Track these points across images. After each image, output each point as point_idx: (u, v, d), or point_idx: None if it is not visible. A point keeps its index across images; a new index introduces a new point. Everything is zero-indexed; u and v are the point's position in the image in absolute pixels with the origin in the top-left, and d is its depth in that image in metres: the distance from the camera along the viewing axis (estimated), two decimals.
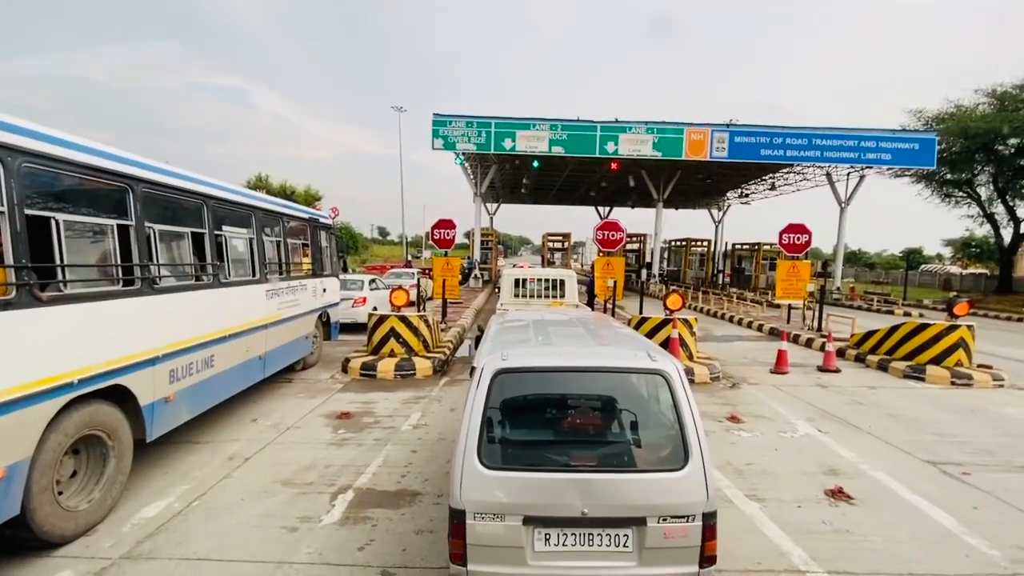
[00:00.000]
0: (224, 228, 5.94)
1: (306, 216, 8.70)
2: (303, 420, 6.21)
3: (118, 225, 4.17)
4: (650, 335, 9.03)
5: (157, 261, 4.64)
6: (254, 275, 6.60)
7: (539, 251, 43.76)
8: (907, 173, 26.22)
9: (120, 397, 4.07)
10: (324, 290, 9.14)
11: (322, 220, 9.43)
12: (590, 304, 13.73)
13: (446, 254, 12.99)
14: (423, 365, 8.54)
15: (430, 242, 16.00)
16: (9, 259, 3.17)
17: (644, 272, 28.69)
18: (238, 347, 5.97)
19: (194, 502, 4.13)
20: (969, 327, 9.10)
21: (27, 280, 3.26)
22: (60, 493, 3.54)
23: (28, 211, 3.31)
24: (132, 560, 3.35)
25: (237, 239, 6.32)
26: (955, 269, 45.30)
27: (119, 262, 4.16)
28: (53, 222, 3.53)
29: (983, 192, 26.90)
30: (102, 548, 3.48)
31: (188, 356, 4.94)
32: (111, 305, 4.01)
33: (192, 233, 5.31)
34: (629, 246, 34.69)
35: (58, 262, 3.56)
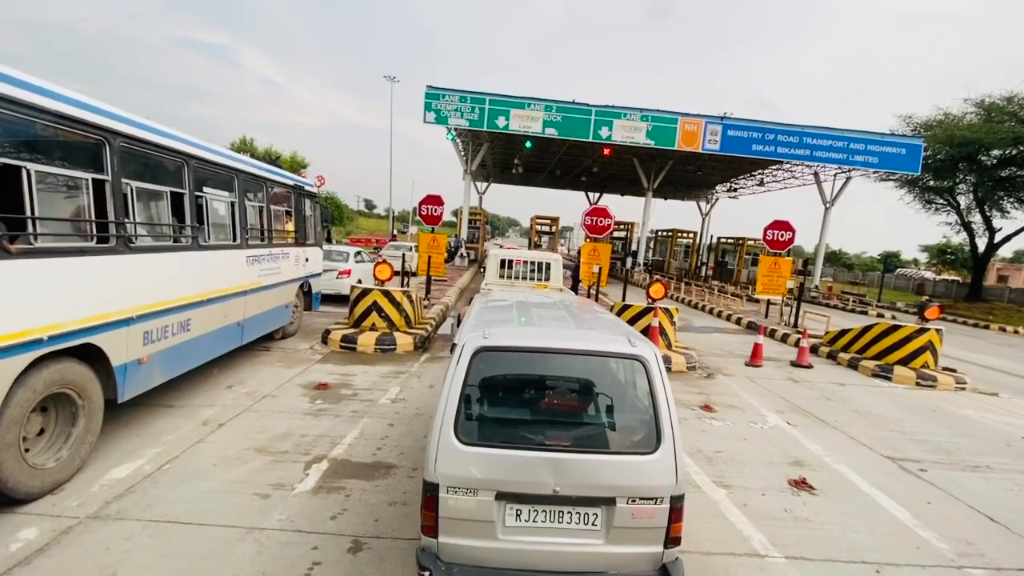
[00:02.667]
0: (205, 190, 5.80)
1: (291, 183, 8.53)
2: (280, 389, 6.17)
3: (93, 180, 4.02)
4: (631, 322, 9.13)
5: (134, 219, 4.51)
6: (235, 240, 6.47)
7: (527, 233, 43.64)
8: (892, 177, 26.63)
9: (92, 356, 4.00)
10: (307, 260, 9.05)
11: (307, 188, 9.25)
12: (574, 289, 13.80)
13: (433, 231, 12.86)
14: (404, 340, 8.53)
15: (417, 217, 15.87)
16: None
17: (629, 260, 28.88)
18: (216, 312, 5.89)
19: (165, 465, 4.10)
20: (938, 331, 9.40)
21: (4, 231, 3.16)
22: (27, 450, 3.50)
23: (3, 159, 3.20)
24: (100, 520, 3.33)
25: (218, 202, 6.18)
26: (929, 274, 46.53)
27: (94, 218, 4.03)
28: (24, 172, 3.40)
29: (963, 201, 27.49)
30: (69, 507, 3.45)
31: (163, 319, 4.86)
32: (84, 262, 3.92)
33: (171, 193, 5.15)
34: (616, 234, 34.84)
35: (29, 214, 3.43)
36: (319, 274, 9.93)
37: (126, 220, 4.36)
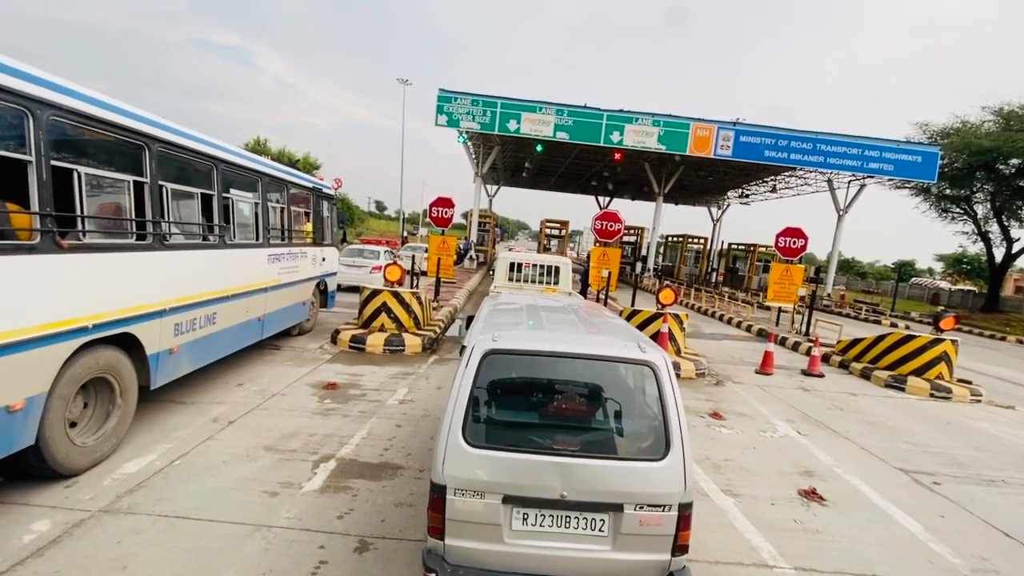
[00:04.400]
0: (232, 191, 6.11)
1: (310, 185, 8.81)
2: (289, 388, 6.22)
3: (134, 182, 4.36)
4: (641, 327, 9.09)
5: (168, 218, 4.81)
6: (257, 239, 6.77)
7: (536, 236, 43.64)
8: (907, 185, 26.32)
9: (129, 345, 4.31)
10: (323, 259, 9.29)
11: (325, 190, 9.53)
12: (583, 293, 13.76)
13: (443, 233, 12.91)
14: (413, 342, 8.55)
15: (427, 219, 16.03)
16: (35, 206, 3.33)
17: (639, 265, 28.76)
18: (239, 307, 6.17)
19: (176, 461, 4.15)
20: (953, 342, 9.25)
21: (50, 227, 3.44)
22: (72, 427, 3.79)
23: (53, 162, 3.46)
24: (111, 514, 3.37)
25: (243, 203, 6.53)
26: (945, 284, 45.80)
27: (133, 217, 4.37)
28: (75, 174, 3.71)
29: (980, 210, 27.09)
30: (81, 500, 3.49)
31: (192, 312, 5.16)
32: (125, 257, 4.26)
33: (201, 194, 5.48)
34: (626, 238, 34.72)
35: (78, 212, 3.73)
36: (335, 273, 10.18)
37: (162, 219, 4.67)
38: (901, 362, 9.36)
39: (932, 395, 8.65)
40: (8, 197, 3.33)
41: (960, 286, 42.98)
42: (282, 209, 7.65)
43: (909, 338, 9.45)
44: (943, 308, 30.08)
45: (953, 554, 3.80)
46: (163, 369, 4.78)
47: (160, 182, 4.64)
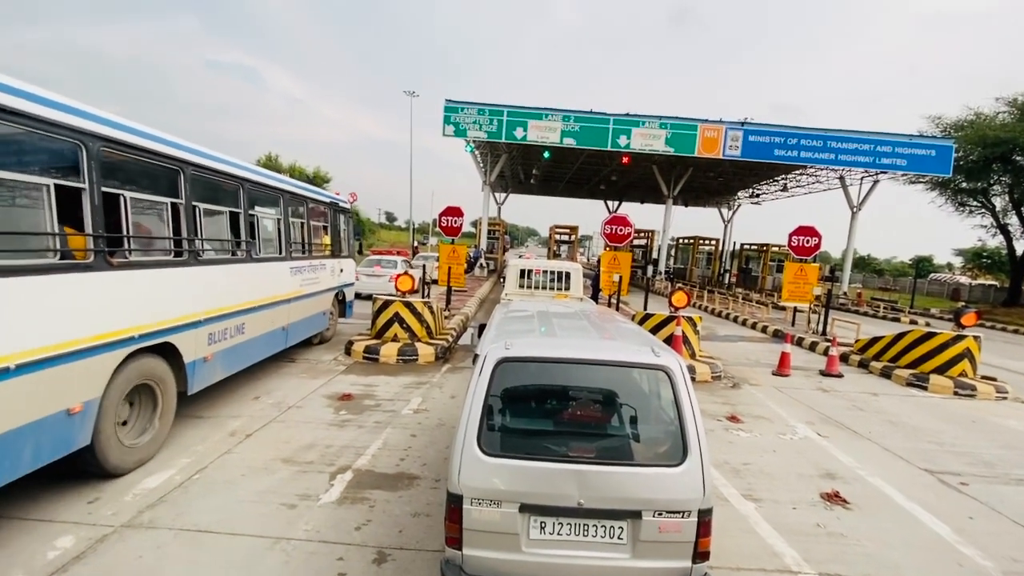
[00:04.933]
0: (256, 208, 6.52)
1: (327, 200, 9.20)
2: (305, 400, 6.26)
3: (171, 203, 4.78)
4: (654, 331, 9.02)
5: (201, 236, 5.18)
6: (280, 253, 7.18)
7: (545, 243, 43.64)
8: (922, 180, 25.89)
9: (168, 353, 4.65)
10: (341, 270, 9.67)
11: (341, 204, 9.93)
12: (595, 298, 13.72)
13: (453, 242, 12.97)
14: (426, 351, 8.58)
15: (437, 229, 16.23)
16: (89, 229, 3.69)
17: (650, 268, 28.60)
18: (265, 318, 6.53)
19: (195, 475, 4.19)
20: (976, 338, 9.04)
21: (102, 247, 3.81)
22: (120, 428, 4.14)
23: (104, 188, 3.82)
24: (133, 529, 3.41)
25: (267, 219, 6.93)
26: (964, 279, 44.87)
27: (171, 235, 4.77)
28: (122, 198, 4.10)
29: (998, 202, 26.53)
30: (104, 516, 3.54)
31: (224, 322, 5.52)
32: (165, 273, 4.65)
33: (229, 212, 5.87)
34: (636, 242, 34.55)
35: (125, 233, 4.14)
36: (352, 283, 10.54)
37: (196, 237, 5.06)
38: (922, 360, 9.17)
39: (956, 393, 8.45)
40: (65, 221, 3.59)
41: (980, 280, 42.08)
42: (302, 223, 8.03)
43: (930, 335, 9.26)
44: (964, 304, 29.46)
45: (983, 556, 3.69)
46: (199, 376, 5.11)
47: (194, 202, 5.04)
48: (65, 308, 3.50)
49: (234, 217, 5.96)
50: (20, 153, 3.37)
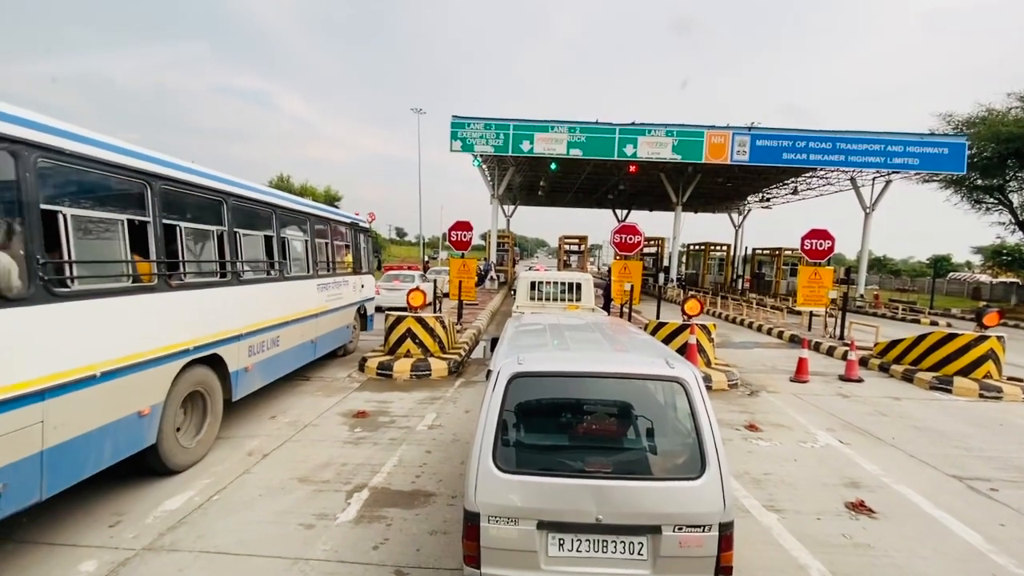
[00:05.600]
0: (287, 231, 7.10)
1: (348, 221, 9.87)
2: (320, 418, 6.30)
3: (217, 230, 5.41)
4: (667, 340, 8.95)
5: (242, 258, 5.79)
6: (308, 271, 7.75)
7: (555, 253, 43.63)
8: (935, 178, 25.53)
9: (216, 364, 5.17)
10: (362, 286, 10.29)
11: (361, 224, 10.60)
12: (606, 308, 13.65)
13: (463, 256, 13.04)
14: (439, 366, 8.59)
15: (447, 243, 16.44)
16: (153, 256, 4.31)
17: (662, 276, 28.45)
18: (296, 331, 7.09)
19: (214, 496, 4.22)
20: (999, 338, 8.83)
21: (163, 272, 4.43)
22: (177, 431, 4.63)
23: (164, 220, 4.44)
24: (154, 552, 3.44)
25: (296, 240, 7.51)
26: (985, 277, 43.94)
27: (218, 258, 5.44)
28: (177, 228, 4.69)
29: (1015, 199, 26.03)
30: (126, 539, 3.58)
31: (262, 336, 6.07)
32: (213, 292, 5.18)
33: (264, 236, 6.50)
34: (647, 250, 34.45)
35: (181, 258, 4.73)
36: (372, 298, 11.17)
37: (237, 259, 5.67)
38: (945, 362, 8.97)
39: (981, 395, 8.24)
40: (135, 249, 4.14)
41: (1002, 278, 41.15)
42: (326, 243, 8.65)
43: (952, 336, 9.06)
44: (985, 304, 28.82)
45: (1017, 565, 3.56)
46: (241, 384, 5.63)
47: (235, 228, 5.65)
48: (136, 325, 4.07)
49: (268, 240, 6.58)
50: (101, 194, 3.99)
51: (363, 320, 10.60)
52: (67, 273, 3.52)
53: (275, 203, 6.71)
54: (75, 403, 3.45)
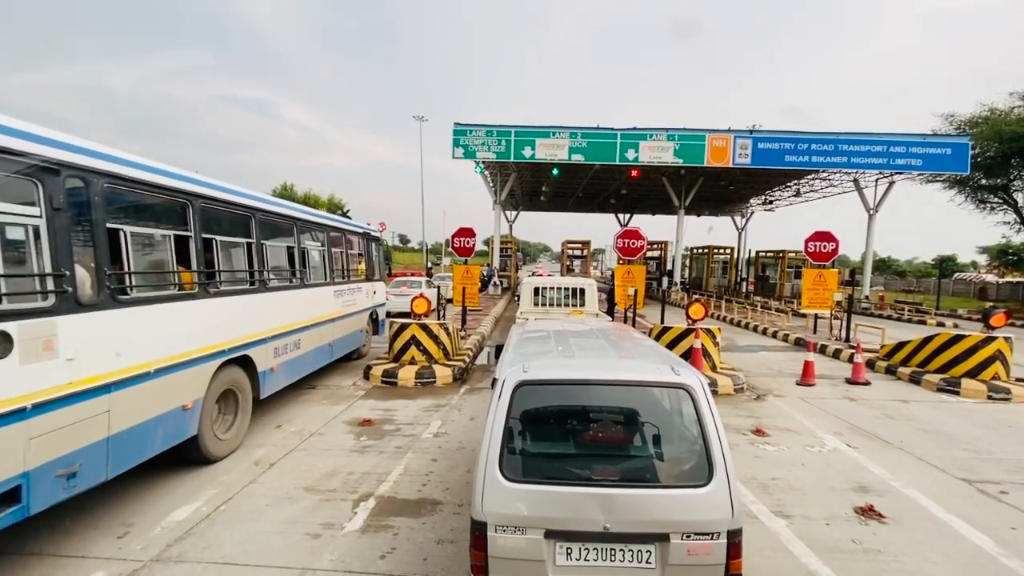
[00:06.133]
0: (306, 242, 7.58)
1: (361, 231, 10.39)
2: (326, 427, 6.30)
3: (246, 242, 5.91)
4: (672, 345, 8.93)
5: (267, 267, 6.32)
6: (325, 279, 8.23)
7: (558, 258, 43.66)
8: (939, 179, 25.46)
9: (246, 365, 5.62)
10: (374, 292, 10.82)
11: (373, 234, 11.14)
12: (610, 313, 13.64)
13: (466, 262, 13.06)
14: (443, 373, 8.59)
15: (450, 250, 16.49)
16: (195, 266, 4.81)
17: (665, 280, 28.39)
18: (315, 335, 7.56)
19: (221, 506, 4.23)
20: (1007, 339, 8.77)
21: (203, 280, 4.99)
22: (213, 424, 5.09)
23: (203, 234, 4.95)
24: (162, 563, 3.45)
25: (314, 250, 8.00)
26: (991, 277, 43.63)
27: (247, 268, 5.93)
28: (214, 241, 5.23)
29: (1020, 197, 25.94)
30: (133, 551, 3.59)
31: (285, 339, 6.54)
32: (243, 299, 5.67)
33: (286, 246, 7.02)
34: (650, 253, 34.40)
35: (217, 268, 5.29)
36: (384, 304, 11.66)
37: (264, 268, 6.17)
38: (952, 364, 8.91)
39: (990, 397, 8.18)
40: (179, 260, 4.68)
41: (1008, 278, 40.88)
42: (341, 252, 9.14)
43: (959, 338, 9.01)
44: (992, 303, 28.63)
45: None
46: (268, 383, 6.09)
47: (261, 239, 6.14)
48: (181, 328, 4.56)
49: (290, 250, 7.12)
50: (152, 212, 4.55)
51: (375, 325, 11.01)
52: (127, 283, 4.08)
53: (296, 216, 7.22)
54: (134, 396, 3.93)
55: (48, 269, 3.28)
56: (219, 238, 5.31)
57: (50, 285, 3.30)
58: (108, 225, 3.78)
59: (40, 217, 3.25)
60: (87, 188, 3.60)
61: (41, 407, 3.16)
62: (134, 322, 4.01)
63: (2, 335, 2.96)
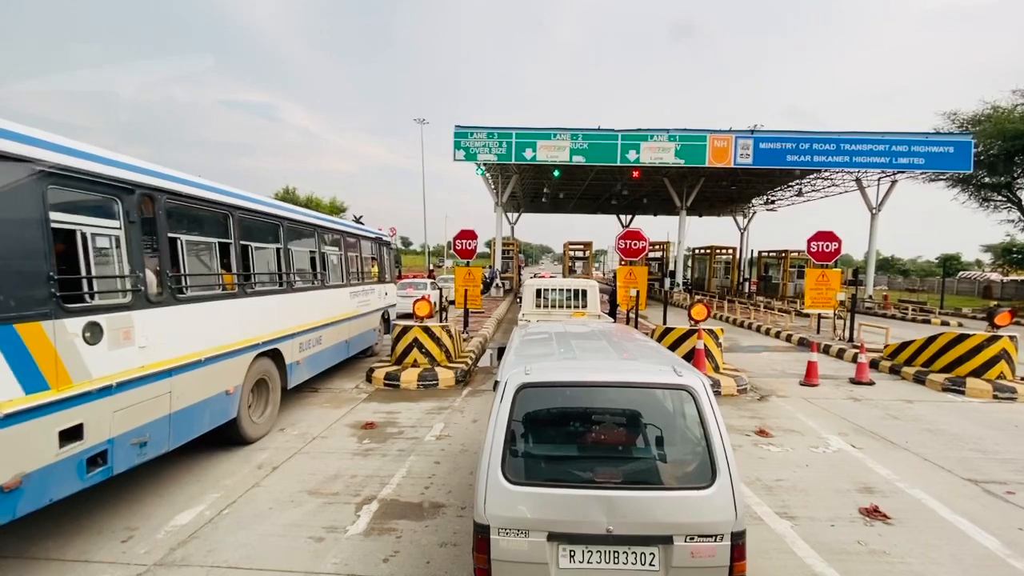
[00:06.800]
0: (325, 247, 8.22)
1: (373, 236, 11.08)
2: (329, 430, 6.31)
3: (276, 248, 6.58)
4: (674, 346, 8.91)
5: (294, 270, 6.98)
6: (342, 281, 8.88)
7: (560, 259, 43.64)
8: (942, 177, 25.38)
9: (276, 357, 6.24)
10: (386, 293, 11.49)
11: (384, 239, 11.82)
12: (612, 314, 13.61)
13: (468, 264, 13.06)
14: (445, 375, 8.59)
15: (452, 252, 16.52)
16: (235, 269, 5.51)
17: (667, 281, 28.35)
18: (334, 332, 8.22)
19: (225, 510, 4.23)
20: (1011, 338, 8.72)
21: (242, 282, 5.64)
22: (249, 409, 5.67)
23: (241, 241, 5.63)
24: (166, 567, 3.45)
25: (333, 254, 8.64)
26: (995, 276, 43.45)
27: (277, 271, 6.59)
28: (250, 248, 5.90)
29: None
30: (137, 555, 3.59)
31: (309, 335, 7.15)
32: (274, 298, 6.32)
33: (309, 251, 7.72)
34: (652, 254, 34.38)
35: (252, 271, 5.91)
36: (395, 304, 12.34)
37: (290, 271, 6.83)
38: (957, 363, 8.87)
39: (995, 396, 8.14)
40: (222, 264, 5.39)
41: (1012, 276, 40.69)
42: (356, 256, 9.76)
43: (963, 337, 8.96)
44: (996, 302, 28.50)
45: None
46: (294, 375, 6.72)
47: (287, 245, 6.78)
48: (225, 323, 5.19)
49: (312, 254, 7.80)
50: (201, 222, 5.20)
51: (386, 324, 11.58)
52: (183, 283, 4.68)
53: (316, 223, 7.92)
54: (189, 380, 4.53)
55: (126, 271, 3.92)
56: (253, 244, 5.98)
57: (128, 285, 3.93)
58: (169, 234, 4.48)
59: (120, 229, 3.90)
60: (153, 203, 4.29)
61: (123, 385, 3.77)
62: (189, 317, 4.65)
63: (95, 325, 3.56)
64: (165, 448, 4.25)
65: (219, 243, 5.37)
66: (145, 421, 3.98)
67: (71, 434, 3.33)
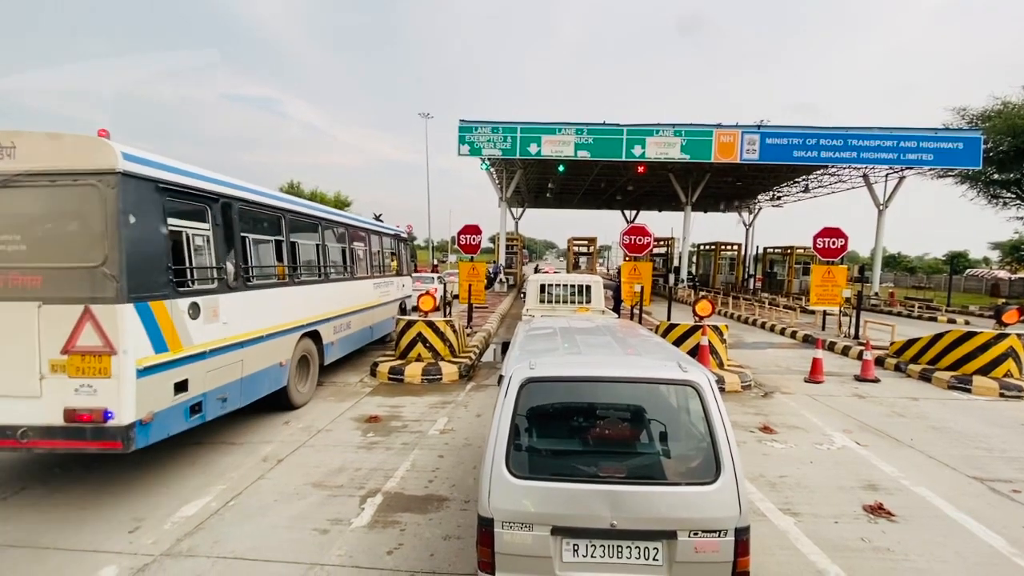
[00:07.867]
0: (354, 243, 9.33)
1: (393, 232, 12.00)
2: (333, 423, 6.34)
3: (315, 243, 7.71)
4: (679, 342, 8.90)
5: (329, 263, 8.14)
6: (368, 273, 9.99)
7: (564, 255, 43.57)
8: (950, 173, 25.17)
9: (315, 338, 7.26)
10: (403, 285, 12.53)
11: (402, 235, 12.76)
12: (616, 309, 13.59)
13: (472, 259, 13.07)
14: (449, 370, 8.61)
15: (456, 247, 16.51)
16: (286, 262, 6.57)
17: (672, 277, 28.29)
18: (360, 318, 9.25)
19: (230, 502, 4.27)
20: (1019, 336, 8.66)
21: (291, 273, 6.69)
22: (296, 380, 6.66)
23: (290, 238, 6.69)
24: (172, 557, 3.48)
25: (360, 249, 9.75)
26: (1003, 273, 43.09)
27: (316, 264, 7.74)
28: (296, 245, 6.98)
29: None
30: (144, 545, 3.62)
31: (340, 320, 8.21)
32: (314, 287, 7.40)
33: (340, 246, 8.77)
34: (656, 250, 34.25)
35: (298, 263, 7.05)
36: (411, 296, 13.19)
37: (326, 264, 7.98)
38: (963, 361, 8.82)
39: (1002, 395, 8.09)
40: (276, 258, 6.51)
41: (1021, 274, 40.36)
42: (379, 251, 10.86)
43: (970, 335, 8.90)
44: (1004, 300, 28.28)
45: None
46: (329, 353, 7.77)
47: (325, 242, 7.90)
48: (279, 306, 6.21)
49: (343, 249, 8.86)
50: (262, 224, 6.24)
51: (403, 313, 12.28)
52: (250, 273, 5.72)
53: (347, 223, 9.09)
54: (255, 352, 5.56)
55: (214, 263, 5.02)
56: (299, 240, 7.09)
57: (215, 274, 5.03)
58: (241, 233, 5.48)
59: (209, 230, 4.99)
60: (230, 209, 5.32)
61: (213, 351, 4.79)
62: (255, 301, 5.66)
63: (196, 305, 4.60)
64: (238, 404, 5.28)
65: (275, 240, 6.50)
66: (226, 381, 5.01)
67: (181, 386, 4.36)
